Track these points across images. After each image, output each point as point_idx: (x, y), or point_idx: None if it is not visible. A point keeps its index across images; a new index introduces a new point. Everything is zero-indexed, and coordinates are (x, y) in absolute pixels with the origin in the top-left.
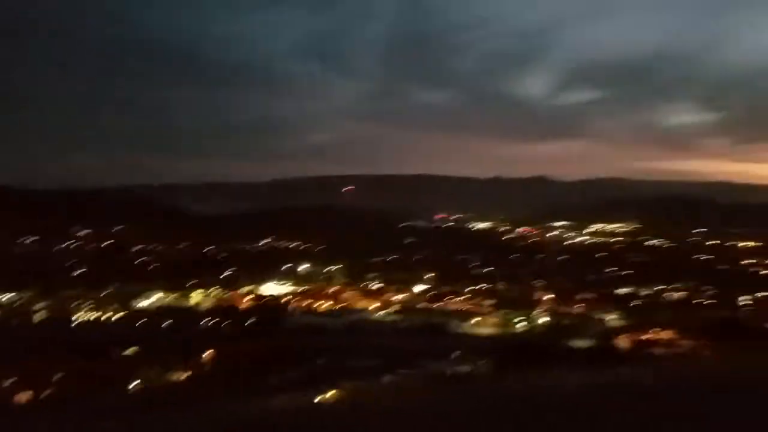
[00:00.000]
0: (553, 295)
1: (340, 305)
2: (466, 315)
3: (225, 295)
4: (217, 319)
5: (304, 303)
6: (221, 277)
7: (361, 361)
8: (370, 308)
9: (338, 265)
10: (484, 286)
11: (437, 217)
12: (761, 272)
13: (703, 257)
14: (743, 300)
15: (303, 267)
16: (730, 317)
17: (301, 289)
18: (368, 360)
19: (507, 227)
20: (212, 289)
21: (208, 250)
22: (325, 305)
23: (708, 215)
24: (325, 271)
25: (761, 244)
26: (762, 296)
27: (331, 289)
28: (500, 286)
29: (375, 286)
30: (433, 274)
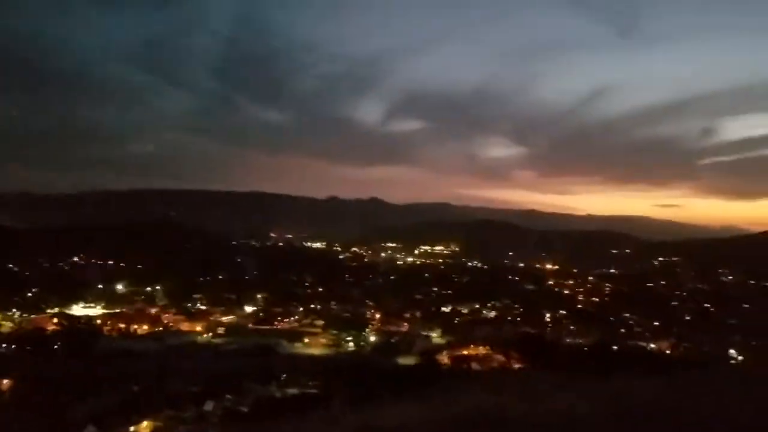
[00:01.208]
0: (382, 314)
1: (160, 328)
2: (297, 335)
3: (29, 318)
4: (19, 344)
5: (120, 325)
6: (24, 297)
7: (182, 387)
8: (195, 331)
9: (159, 285)
10: (315, 306)
11: (270, 235)
12: (564, 292)
13: (515, 278)
14: (548, 317)
15: (119, 287)
16: (537, 333)
17: (116, 310)
18: (190, 386)
19: (340, 247)
20: (15, 310)
21: (12, 267)
22: (143, 328)
23: (520, 240)
24: (144, 291)
25: (563, 267)
26: (562, 314)
27: (151, 311)
28: (332, 305)
29: (200, 307)
30: (264, 295)
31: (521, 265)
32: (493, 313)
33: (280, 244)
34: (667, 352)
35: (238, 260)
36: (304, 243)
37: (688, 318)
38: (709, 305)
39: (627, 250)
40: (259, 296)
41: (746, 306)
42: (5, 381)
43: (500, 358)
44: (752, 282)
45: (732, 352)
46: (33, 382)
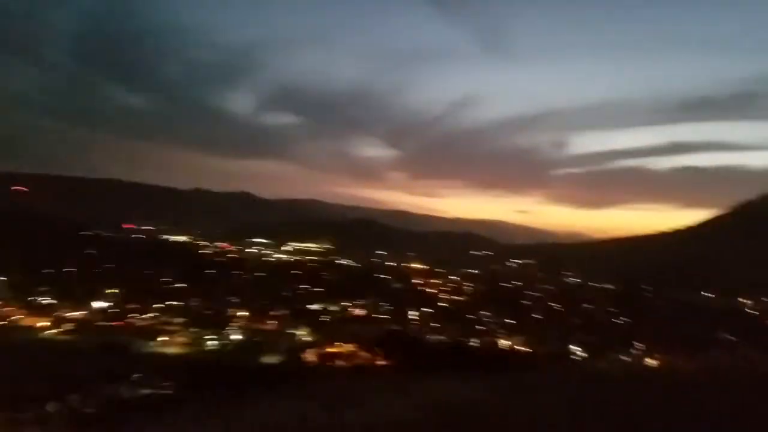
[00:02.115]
0: (247, 312)
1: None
2: (153, 333)
3: None
4: None
5: None
6: None
7: (22, 387)
8: (39, 326)
9: (0, 276)
10: (174, 303)
11: (126, 226)
12: (429, 291)
13: (383, 277)
14: (412, 315)
15: None
16: (401, 331)
17: None
18: (30, 385)
19: (205, 242)
20: None
21: None
22: None
23: (390, 240)
24: None
25: (429, 267)
26: (426, 312)
27: None
28: (193, 302)
29: (45, 301)
30: (117, 290)
31: (390, 264)
32: (361, 311)
33: (138, 235)
34: (518, 348)
35: (90, 252)
36: (164, 236)
37: (537, 316)
38: (555, 305)
39: (486, 252)
40: (111, 291)
41: (586, 306)
42: None
43: (366, 355)
44: (592, 284)
45: (573, 348)
46: None
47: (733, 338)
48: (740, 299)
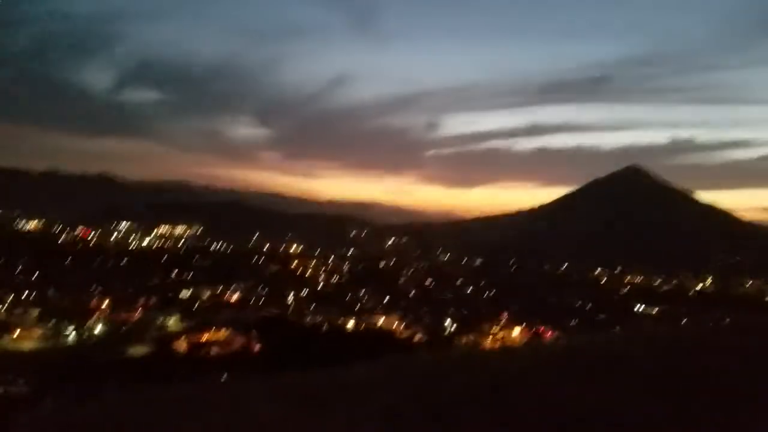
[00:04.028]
0: (110, 302)
1: None
2: (3, 328)
3: None
4: None
5: None
6: None
7: None
8: None
9: None
10: (28, 293)
11: None
12: (307, 273)
13: (258, 260)
14: (290, 298)
15: None
16: (278, 315)
17: None
18: None
19: (62, 227)
20: None
21: None
22: None
23: (265, 223)
24: None
25: (305, 249)
26: (304, 294)
27: None
28: (49, 293)
29: None
30: None
31: (266, 247)
32: (236, 296)
33: None
34: (394, 327)
35: None
36: (14, 223)
37: (412, 293)
38: (429, 281)
39: (363, 233)
40: None
41: (458, 282)
42: None
43: (241, 341)
44: (464, 261)
45: (447, 321)
46: None
47: (588, 305)
48: (593, 269)
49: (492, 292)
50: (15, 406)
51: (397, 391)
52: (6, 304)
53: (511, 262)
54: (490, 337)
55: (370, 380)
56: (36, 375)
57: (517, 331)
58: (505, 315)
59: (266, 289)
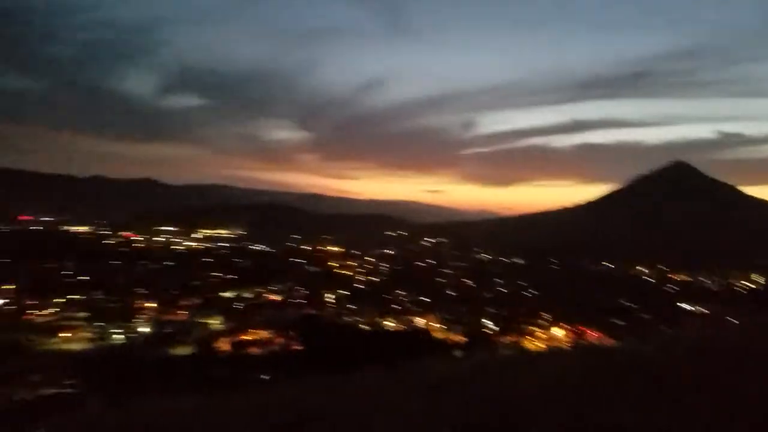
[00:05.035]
0: (155, 303)
1: None
2: (54, 330)
3: None
4: None
5: None
6: None
7: None
8: None
9: None
10: (77, 296)
11: (21, 218)
12: (345, 273)
13: (297, 260)
14: (328, 298)
15: None
16: (316, 315)
17: None
18: None
19: (108, 231)
20: None
21: None
22: None
23: (304, 223)
24: None
25: (344, 249)
26: (342, 294)
27: None
28: (96, 296)
29: None
30: (13, 285)
31: (305, 247)
32: (276, 297)
33: (35, 227)
34: (433, 327)
35: None
36: (63, 226)
37: (451, 293)
38: (467, 281)
39: (399, 233)
40: (6, 287)
41: (498, 281)
42: None
43: (281, 341)
44: (502, 259)
45: (487, 322)
46: None
47: (633, 305)
48: (638, 268)
49: (534, 292)
50: (64, 406)
51: (471, 391)
52: (55, 307)
53: (554, 260)
54: (532, 337)
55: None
56: (84, 375)
57: (559, 331)
58: (548, 315)
59: (305, 289)
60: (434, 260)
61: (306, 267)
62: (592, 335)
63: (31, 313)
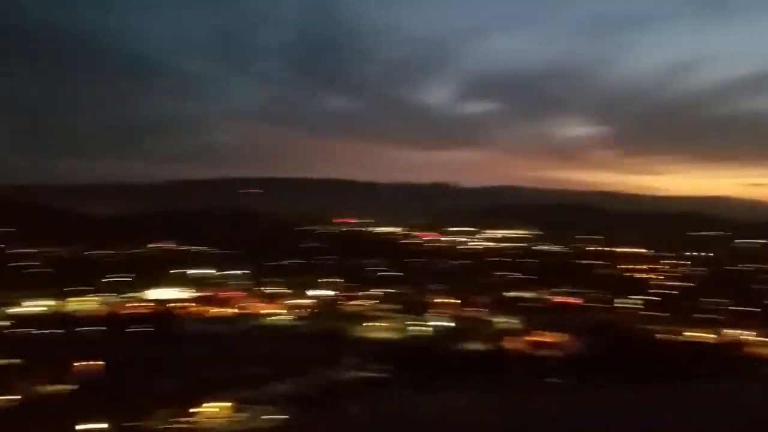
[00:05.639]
0: (449, 299)
1: (234, 311)
2: (365, 319)
3: (117, 301)
4: (107, 326)
5: (197, 309)
6: (109, 281)
7: (253, 369)
8: (266, 313)
9: (235, 269)
10: (382, 290)
11: (338, 221)
12: (641, 277)
13: (590, 262)
14: (623, 303)
15: (197, 271)
16: (611, 321)
17: (194, 294)
18: (259, 367)
19: (408, 232)
20: (104, 294)
21: (97, 253)
22: (218, 311)
23: (596, 223)
24: (220, 275)
25: (643, 250)
26: (640, 299)
27: (227, 294)
28: (399, 290)
29: (272, 290)
30: (333, 279)
31: (597, 249)
32: (566, 299)
33: (348, 229)
34: (747, 338)
35: (309, 245)
36: (371, 228)
37: None
38: None
39: (711, 232)
40: (327, 281)
41: None
42: (92, 362)
43: (571, 345)
44: None
45: None
46: (117, 364)
47: None
48: None
49: None
50: (372, 390)
51: None
52: (365, 299)
53: None
54: None
55: None
56: (391, 362)
57: None
58: None
59: (600, 293)
60: (753, 264)
61: (601, 269)
62: None
63: (347, 304)
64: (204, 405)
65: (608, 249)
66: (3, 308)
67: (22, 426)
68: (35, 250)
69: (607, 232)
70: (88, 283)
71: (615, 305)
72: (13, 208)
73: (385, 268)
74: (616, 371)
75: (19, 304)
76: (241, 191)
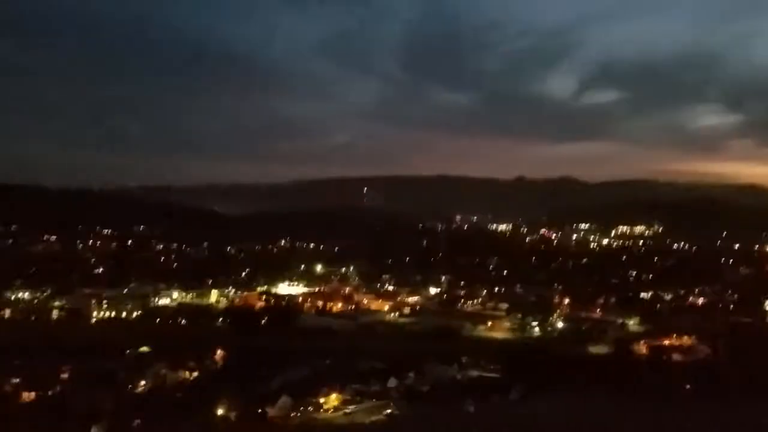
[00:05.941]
0: (571, 299)
1: (353, 306)
2: (480, 318)
3: (241, 295)
4: (232, 318)
5: (318, 303)
6: (239, 276)
7: (369, 363)
8: (383, 310)
9: (353, 266)
10: (500, 289)
11: (456, 218)
12: None
13: (728, 261)
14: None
15: (318, 267)
16: (750, 324)
17: (315, 289)
18: (376, 362)
19: (528, 229)
20: (229, 288)
21: (227, 250)
22: (338, 306)
23: (733, 218)
24: (339, 272)
25: None
26: None
27: (345, 290)
28: (517, 289)
29: (389, 287)
30: (449, 277)
31: (736, 246)
32: (700, 300)
33: (465, 226)
34: None
35: (425, 243)
36: (489, 225)
37: None
38: None
39: None
40: (443, 278)
41: None
42: (219, 352)
43: (706, 350)
44: None
45: None
46: (241, 354)
47: None
48: None
49: None
50: (489, 389)
51: None
52: (480, 298)
53: None
54: None
55: None
56: (505, 363)
57: None
58: None
59: (736, 294)
60: None
61: (737, 268)
62: None
63: (462, 302)
64: (322, 396)
65: (747, 247)
66: (148, 300)
67: (153, 410)
68: (174, 247)
69: (745, 228)
70: (220, 277)
71: (757, 307)
72: (151, 207)
73: (503, 267)
74: (750, 380)
75: (161, 296)
76: (362, 190)
